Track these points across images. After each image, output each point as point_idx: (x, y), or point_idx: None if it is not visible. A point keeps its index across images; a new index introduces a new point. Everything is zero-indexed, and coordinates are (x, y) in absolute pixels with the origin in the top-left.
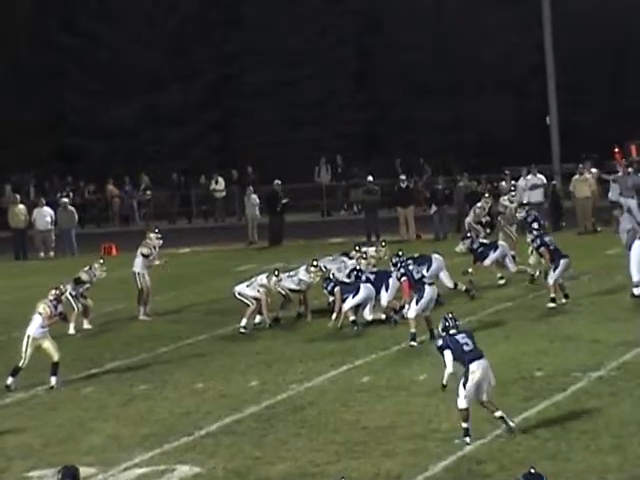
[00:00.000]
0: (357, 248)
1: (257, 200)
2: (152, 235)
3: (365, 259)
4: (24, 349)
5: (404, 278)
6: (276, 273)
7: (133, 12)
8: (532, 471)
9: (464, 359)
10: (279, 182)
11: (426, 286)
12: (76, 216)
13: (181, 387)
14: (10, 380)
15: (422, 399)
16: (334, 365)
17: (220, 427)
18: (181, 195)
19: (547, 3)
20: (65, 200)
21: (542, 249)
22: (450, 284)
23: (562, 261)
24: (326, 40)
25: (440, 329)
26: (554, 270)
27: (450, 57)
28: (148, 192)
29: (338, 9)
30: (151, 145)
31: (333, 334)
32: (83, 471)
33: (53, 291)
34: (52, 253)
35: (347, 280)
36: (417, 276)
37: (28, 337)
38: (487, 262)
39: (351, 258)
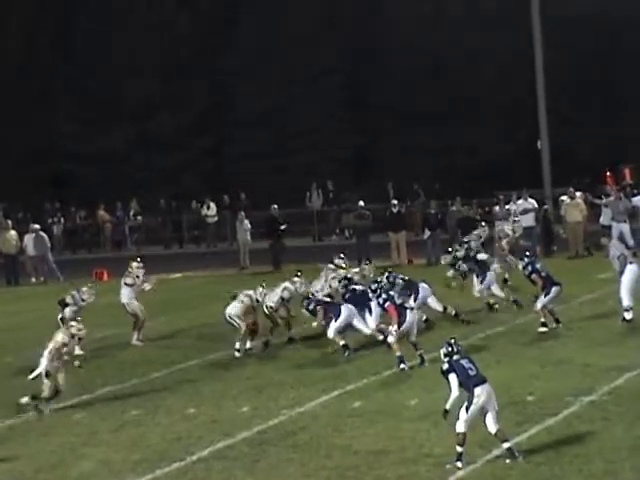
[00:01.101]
0: (342, 256)
1: (249, 225)
2: (134, 264)
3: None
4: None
5: (388, 304)
6: (263, 285)
7: (126, 38)
8: None
9: (469, 384)
10: (276, 207)
11: (407, 311)
12: (48, 242)
13: (173, 412)
14: (47, 406)
15: (413, 424)
16: (325, 390)
17: (212, 452)
18: (173, 220)
19: (537, 27)
20: (36, 226)
21: (534, 276)
22: (439, 308)
23: (554, 288)
24: (317, 66)
25: (443, 354)
26: (544, 296)
27: (441, 82)
28: (139, 217)
29: (330, 36)
30: (142, 171)
31: (324, 359)
32: None
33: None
34: (43, 278)
35: (328, 300)
36: (399, 301)
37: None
38: (476, 292)
39: (337, 266)
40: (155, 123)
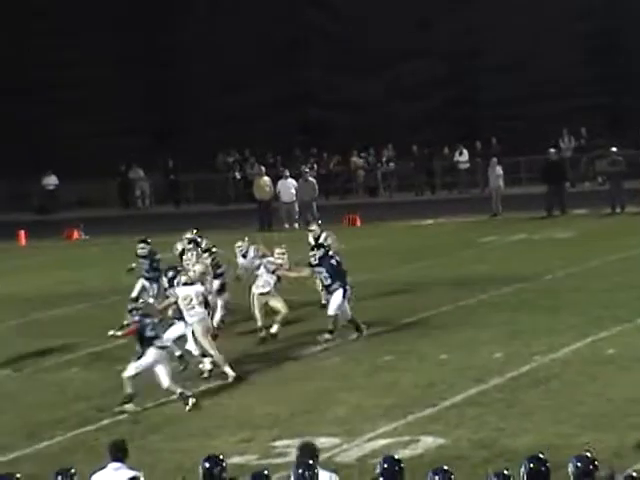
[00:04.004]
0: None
1: (501, 171)
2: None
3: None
4: None
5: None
6: None
7: None
8: None
9: None
10: (553, 150)
11: None
12: (317, 188)
13: (425, 359)
14: None
15: None
16: (579, 337)
17: (464, 398)
18: (425, 167)
19: None
20: (307, 171)
21: None
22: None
23: None
24: (571, 11)
25: None
26: None
27: None
28: (391, 164)
29: None
30: (396, 118)
31: (574, 306)
32: (327, 441)
33: None
34: (296, 225)
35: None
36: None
37: None
38: None
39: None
40: (408, 71)
